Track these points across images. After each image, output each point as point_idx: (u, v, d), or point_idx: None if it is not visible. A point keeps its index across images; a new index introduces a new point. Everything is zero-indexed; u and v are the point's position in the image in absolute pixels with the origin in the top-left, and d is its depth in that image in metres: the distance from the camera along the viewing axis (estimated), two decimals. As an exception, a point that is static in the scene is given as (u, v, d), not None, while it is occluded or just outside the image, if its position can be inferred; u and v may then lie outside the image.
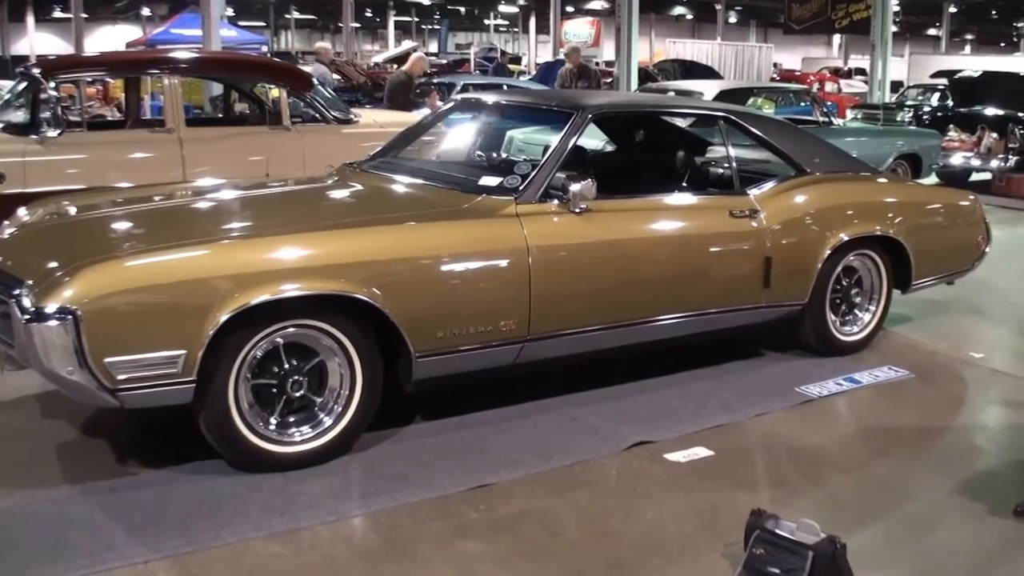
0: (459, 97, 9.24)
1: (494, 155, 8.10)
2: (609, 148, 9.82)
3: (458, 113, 8.71)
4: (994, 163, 18.78)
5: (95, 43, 58.06)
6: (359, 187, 7.39)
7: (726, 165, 8.06)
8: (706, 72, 33.95)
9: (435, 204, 6.69)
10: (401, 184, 7.21)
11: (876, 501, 5.70)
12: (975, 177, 19.31)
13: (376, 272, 5.82)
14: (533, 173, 6.65)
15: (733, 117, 8.05)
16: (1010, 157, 18.58)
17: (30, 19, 71.39)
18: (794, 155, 8.11)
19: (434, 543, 5.08)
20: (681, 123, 9.85)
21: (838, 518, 5.31)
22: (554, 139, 7.03)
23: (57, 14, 68.02)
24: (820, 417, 7.01)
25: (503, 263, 6.30)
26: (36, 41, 69.55)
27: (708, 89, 15.88)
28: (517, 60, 52.71)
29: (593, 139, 9.75)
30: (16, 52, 65.09)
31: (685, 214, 7.37)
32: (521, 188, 6.55)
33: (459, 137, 8.58)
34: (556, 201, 6.58)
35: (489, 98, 8.64)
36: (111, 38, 64.46)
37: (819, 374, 7.71)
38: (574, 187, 6.50)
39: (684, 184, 8.34)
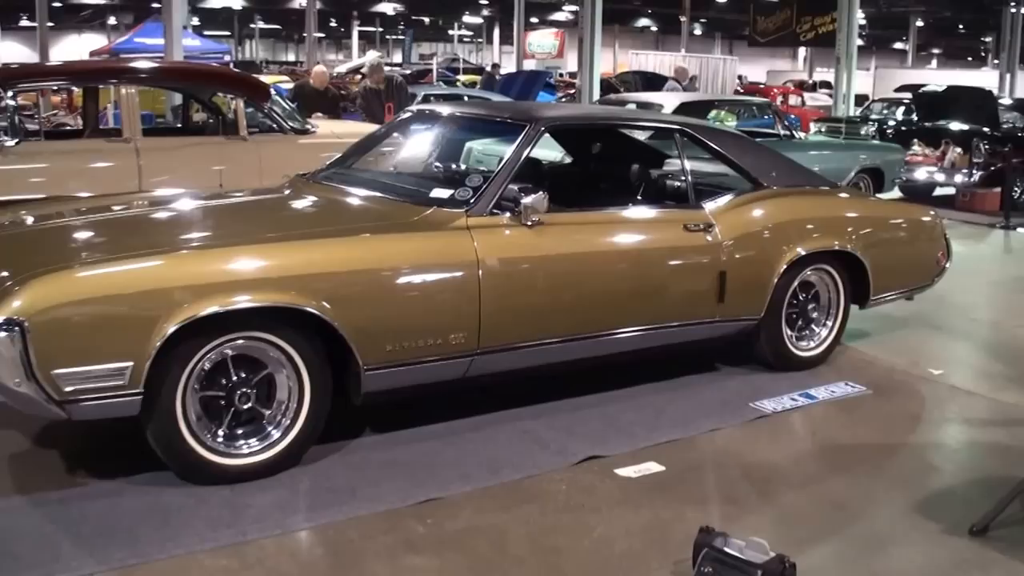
0: (415, 108, 9.21)
1: (449, 166, 8.07)
2: (567, 160, 9.77)
3: (413, 124, 8.69)
4: (958, 178, 18.80)
5: (61, 51, 58.01)
6: (311, 199, 7.36)
7: (682, 178, 8.04)
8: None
9: (386, 216, 6.67)
10: (353, 196, 7.17)
11: (829, 519, 5.67)
12: (939, 192, 19.39)
13: (325, 285, 5.79)
14: (484, 185, 6.62)
15: (688, 130, 8.03)
16: (974, 172, 18.60)
17: (-5, 27, 71.20)
18: (751, 169, 8.09)
19: (381, 558, 5.04)
20: (639, 135, 9.83)
21: (790, 536, 5.31)
22: (508, 151, 7.00)
23: (23, 22, 67.83)
24: (774, 433, 6.99)
25: (453, 276, 6.27)
26: (1, 49, 69.26)
27: (668, 101, 15.86)
28: (480, 71, 52.64)
29: (552, 151, 9.75)
30: (-18, 60, 64.92)
31: (638, 228, 7.35)
32: (472, 201, 6.53)
33: (413, 148, 8.54)
34: (508, 214, 6.56)
35: (444, 109, 8.63)
36: (77, 47, 64.34)
37: (774, 389, 7.68)
38: (525, 200, 6.47)
39: (639, 197, 8.27)
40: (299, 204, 7.37)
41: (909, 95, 26.93)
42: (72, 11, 67.62)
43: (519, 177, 6.78)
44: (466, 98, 22.03)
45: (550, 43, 51.55)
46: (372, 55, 39.44)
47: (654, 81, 32.51)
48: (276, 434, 5.89)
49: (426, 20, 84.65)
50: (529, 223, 6.55)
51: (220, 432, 5.77)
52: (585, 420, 6.94)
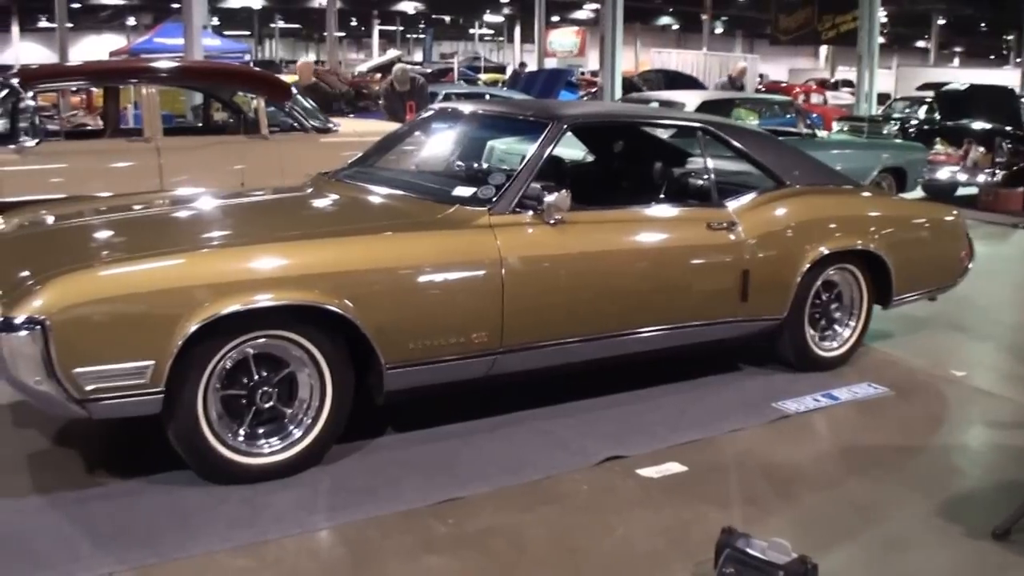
0: (437, 106, 9.20)
1: (472, 165, 8.04)
2: (589, 159, 9.74)
3: (435, 123, 8.69)
4: (981, 177, 18.66)
5: (80, 52, 58.15)
6: (333, 197, 7.35)
7: (704, 177, 8.01)
8: (690, 82, 33.86)
9: (408, 215, 6.66)
10: (375, 194, 7.17)
11: (851, 521, 5.63)
12: (961, 191, 19.24)
13: (347, 283, 5.78)
14: (507, 184, 6.61)
15: (711, 128, 7.98)
16: (997, 171, 18.48)
17: (15, 29, 71.39)
18: (773, 167, 8.06)
19: (400, 558, 5.03)
20: (661, 134, 9.79)
21: (811, 538, 5.27)
22: (530, 149, 6.98)
23: (42, 24, 68.06)
24: (796, 434, 6.96)
25: (476, 274, 6.25)
26: (21, 51, 69.49)
27: (690, 99, 15.82)
28: (501, 69, 52.62)
29: (575, 149, 9.72)
30: (2, 62, 65.02)
31: (662, 226, 7.33)
32: (495, 199, 6.51)
33: (435, 147, 8.54)
34: (530, 212, 6.54)
35: (466, 107, 8.63)
36: (96, 47, 64.47)
37: (797, 390, 7.64)
38: (548, 198, 6.46)
39: (662, 196, 8.22)
40: (321, 203, 7.36)
41: (931, 94, 26.82)
42: (91, 12, 67.79)
43: (541, 175, 6.76)
44: (488, 96, 21.99)
45: (571, 41, 51.63)
46: (393, 54, 39.35)
47: (677, 80, 32.46)
48: (297, 433, 5.88)
49: (447, 19, 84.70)
50: (552, 221, 6.53)
51: (241, 431, 5.76)
52: (605, 420, 6.92)
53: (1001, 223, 16.98)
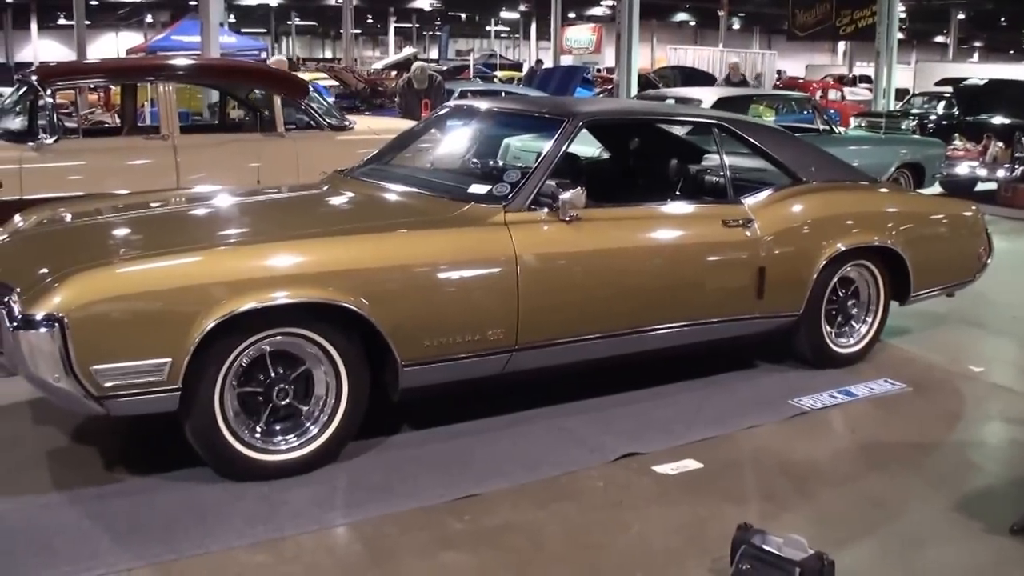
0: (452, 103, 9.21)
1: (487, 162, 8.04)
2: (605, 156, 9.73)
3: (451, 120, 8.67)
4: (1000, 173, 18.59)
5: (98, 50, 58.23)
6: (348, 195, 7.34)
7: (720, 173, 7.99)
8: (706, 79, 33.80)
9: (424, 212, 6.65)
10: (390, 192, 7.16)
11: (868, 517, 5.63)
12: (980, 187, 19.20)
13: (363, 280, 5.78)
14: (522, 181, 6.61)
15: (727, 125, 7.96)
16: (1016, 167, 18.43)
17: (33, 26, 71.54)
18: (789, 163, 8.04)
19: (417, 554, 5.04)
20: (677, 131, 9.77)
21: (828, 534, 5.27)
22: (546, 146, 6.97)
23: (61, 21, 68.20)
24: (813, 430, 6.95)
25: (491, 271, 6.25)
26: (40, 48, 69.66)
27: (706, 96, 15.78)
28: (518, 67, 52.51)
29: (590, 147, 9.71)
30: (21, 59, 65.13)
31: (677, 223, 7.32)
32: (510, 196, 6.51)
33: (450, 144, 8.54)
34: (546, 209, 6.53)
35: (481, 105, 8.61)
36: (114, 45, 64.56)
37: (813, 386, 7.63)
38: (564, 195, 6.46)
39: (677, 192, 8.22)
40: (337, 200, 7.36)
41: (950, 89, 26.72)
42: (109, 9, 67.85)
43: (557, 172, 6.76)
44: (503, 94, 21.96)
45: (587, 38, 51.48)
46: (408, 52, 39.29)
47: (693, 76, 32.38)
48: (314, 430, 5.90)
49: (463, 16, 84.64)
50: (567, 218, 6.53)
51: (258, 428, 5.78)
52: (622, 417, 6.92)
53: (1020, 218, 16.96)
